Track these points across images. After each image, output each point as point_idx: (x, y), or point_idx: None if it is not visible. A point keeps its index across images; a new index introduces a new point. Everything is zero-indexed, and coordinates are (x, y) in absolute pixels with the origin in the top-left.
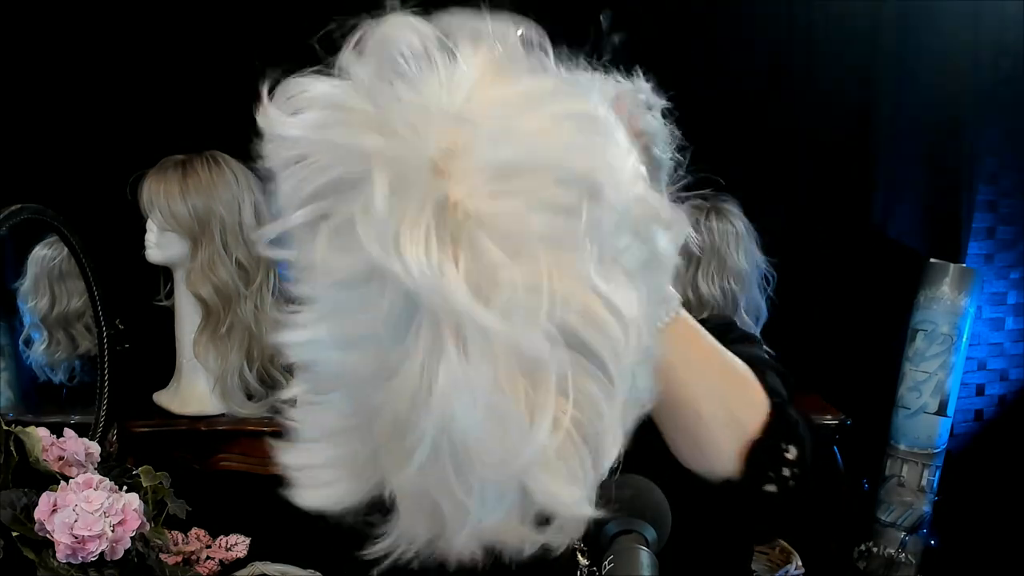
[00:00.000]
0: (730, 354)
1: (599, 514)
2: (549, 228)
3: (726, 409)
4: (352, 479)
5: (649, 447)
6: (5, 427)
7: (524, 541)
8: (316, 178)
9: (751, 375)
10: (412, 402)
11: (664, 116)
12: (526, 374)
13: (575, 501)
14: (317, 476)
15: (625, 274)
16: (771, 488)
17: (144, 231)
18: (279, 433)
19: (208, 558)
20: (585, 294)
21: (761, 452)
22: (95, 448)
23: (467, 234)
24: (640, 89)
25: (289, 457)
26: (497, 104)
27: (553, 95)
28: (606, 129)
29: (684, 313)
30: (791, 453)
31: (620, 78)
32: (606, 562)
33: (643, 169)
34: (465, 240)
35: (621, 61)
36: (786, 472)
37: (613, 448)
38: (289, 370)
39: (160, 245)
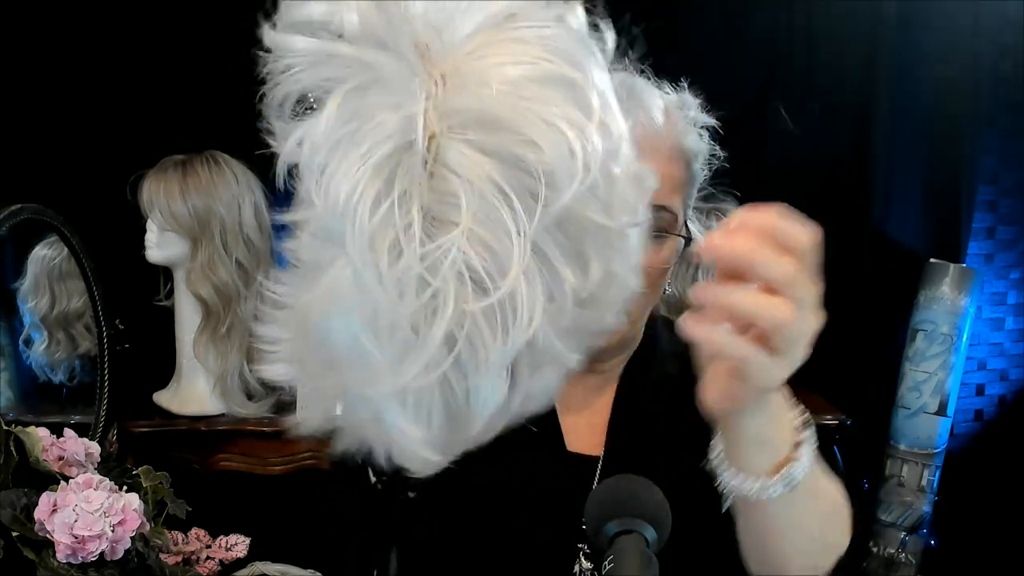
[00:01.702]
0: (840, 501)
1: (440, 462)
2: (503, 182)
3: (813, 564)
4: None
5: (649, 450)
6: (5, 427)
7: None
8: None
9: (847, 521)
10: (325, 301)
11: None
12: (424, 308)
13: (414, 441)
14: (279, 352)
15: (563, 255)
16: None
17: (144, 231)
18: (279, 433)
19: (208, 558)
20: (503, 253)
21: None
22: (95, 448)
23: (430, 167)
24: (687, 105)
25: (263, 330)
26: (495, 49)
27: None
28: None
29: (816, 473)
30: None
31: (668, 90)
32: (606, 562)
33: (622, 159)
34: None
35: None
36: None
37: (476, 420)
38: None
39: (160, 245)
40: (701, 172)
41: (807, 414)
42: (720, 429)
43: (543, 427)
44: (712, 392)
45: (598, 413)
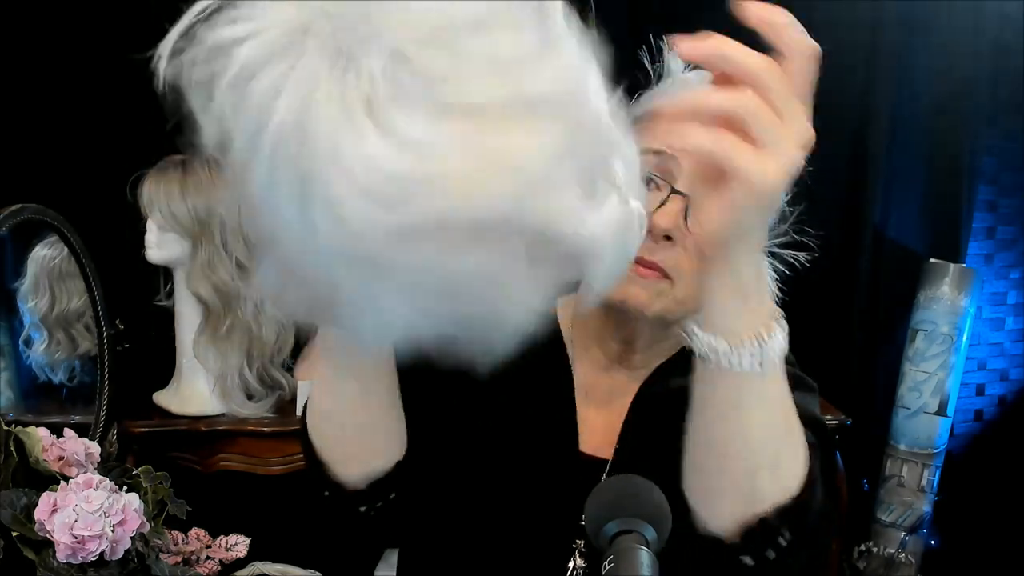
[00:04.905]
0: (799, 432)
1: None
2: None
3: (756, 485)
4: None
5: (658, 459)
6: (5, 427)
7: None
8: None
9: (803, 457)
10: None
11: None
12: None
13: None
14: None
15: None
16: (747, 561)
17: (144, 231)
18: (279, 433)
19: (208, 558)
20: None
21: (760, 530)
22: (95, 448)
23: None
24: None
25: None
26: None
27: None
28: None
29: (780, 371)
30: (784, 538)
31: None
32: (606, 562)
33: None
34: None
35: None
36: (770, 554)
37: None
38: (290, 370)
39: (160, 245)
40: None
41: (781, 312)
42: (705, 283)
43: (560, 423)
44: (710, 213)
45: (617, 414)
